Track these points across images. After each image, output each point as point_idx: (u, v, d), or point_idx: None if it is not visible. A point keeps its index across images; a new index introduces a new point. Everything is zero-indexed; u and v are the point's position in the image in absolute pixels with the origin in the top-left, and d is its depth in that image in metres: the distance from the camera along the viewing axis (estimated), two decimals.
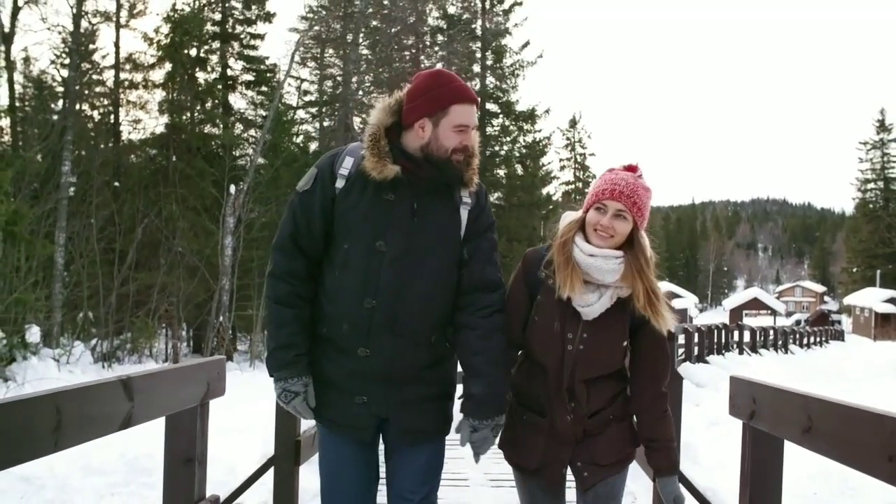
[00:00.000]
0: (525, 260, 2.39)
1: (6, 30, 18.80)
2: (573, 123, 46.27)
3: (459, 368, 2.38)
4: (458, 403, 2.36)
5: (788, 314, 77.77)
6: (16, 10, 19.58)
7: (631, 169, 2.30)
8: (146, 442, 5.93)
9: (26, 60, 21.76)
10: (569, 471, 2.38)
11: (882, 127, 61.22)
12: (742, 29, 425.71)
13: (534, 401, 2.33)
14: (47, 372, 11.91)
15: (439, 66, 30.31)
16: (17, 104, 19.48)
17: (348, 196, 2.23)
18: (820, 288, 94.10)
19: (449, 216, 2.29)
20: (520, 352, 2.43)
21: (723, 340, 16.87)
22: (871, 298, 53.27)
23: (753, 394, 2.53)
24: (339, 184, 2.25)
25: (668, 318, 2.21)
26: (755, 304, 72.16)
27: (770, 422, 2.38)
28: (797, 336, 28.01)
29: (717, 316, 67.39)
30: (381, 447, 2.44)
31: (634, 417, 2.37)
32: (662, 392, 2.28)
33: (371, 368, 2.23)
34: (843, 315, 64.46)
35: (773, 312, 68.75)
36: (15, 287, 12.50)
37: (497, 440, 2.35)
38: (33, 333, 12.30)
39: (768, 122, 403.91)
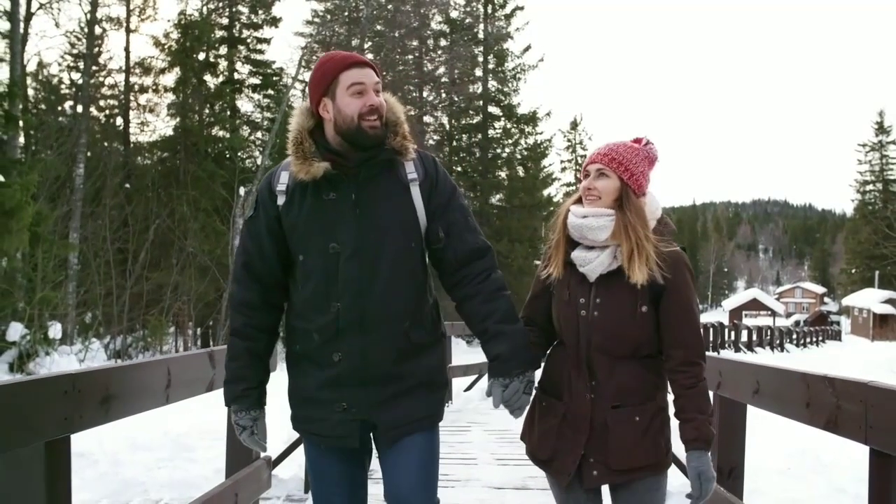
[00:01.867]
0: (546, 250, 2.39)
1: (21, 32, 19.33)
2: (574, 125, 46.79)
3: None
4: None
5: (788, 315, 78.16)
6: (28, 16, 20.11)
7: (637, 142, 2.29)
8: (187, 422, 6.47)
9: (39, 65, 22.33)
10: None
11: (881, 129, 61.57)
12: (744, 30, 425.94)
13: (554, 384, 2.27)
14: (70, 366, 12.42)
15: (441, 69, 30.84)
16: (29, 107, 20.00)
17: (290, 209, 2.17)
18: (820, 289, 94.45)
19: (397, 199, 2.20)
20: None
21: (719, 339, 17.33)
22: (870, 299, 53.71)
23: (719, 367, 3.05)
24: (280, 200, 2.19)
25: (637, 273, 2.12)
26: (755, 305, 72.64)
27: (731, 389, 2.89)
28: (794, 336, 28.49)
29: (717, 316, 67.76)
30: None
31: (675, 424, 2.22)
32: (690, 361, 2.15)
33: (345, 372, 2.16)
34: (842, 316, 64.88)
35: (773, 313, 69.17)
36: (36, 285, 13.02)
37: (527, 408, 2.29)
38: (55, 330, 12.81)
39: (770, 123, 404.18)
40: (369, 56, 29.37)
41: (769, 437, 6.25)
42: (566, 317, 2.22)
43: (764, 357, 19.86)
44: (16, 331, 12.32)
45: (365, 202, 2.15)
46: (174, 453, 5.47)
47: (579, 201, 2.25)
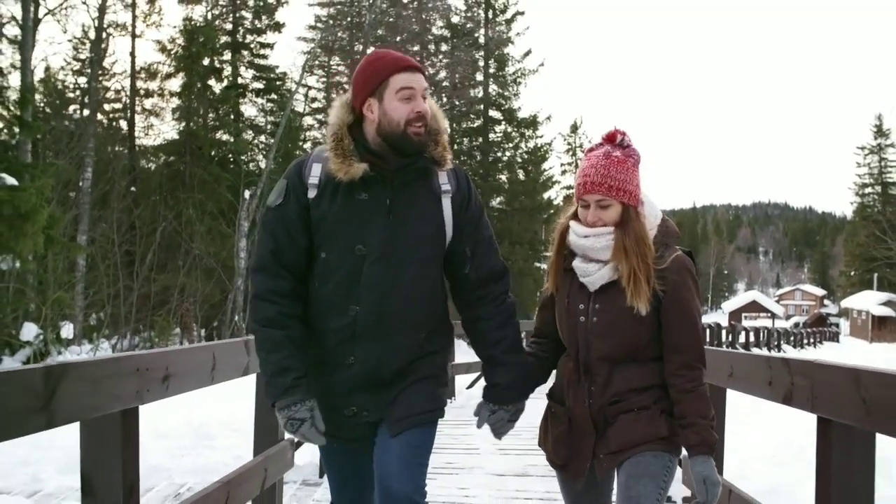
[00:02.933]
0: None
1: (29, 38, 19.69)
2: (574, 128, 47.13)
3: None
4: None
5: (788, 317, 78.43)
6: (36, 22, 20.48)
7: (610, 139, 2.24)
8: (206, 413, 6.83)
9: (46, 70, 22.70)
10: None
11: (879, 132, 61.88)
12: (744, 32, 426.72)
13: (560, 390, 2.30)
14: None
15: (442, 74, 31.25)
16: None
17: (320, 204, 2.11)
18: (820, 291, 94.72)
19: (428, 209, 2.17)
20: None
21: (716, 340, 17.65)
22: (868, 301, 54.00)
23: (710, 358, 3.39)
24: (311, 193, 2.12)
25: (642, 300, 2.12)
26: (754, 307, 72.98)
27: (710, 375, 3.21)
28: (791, 337, 28.82)
29: (717, 319, 68.01)
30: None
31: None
32: (689, 365, 2.14)
33: (356, 376, 2.15)
34: (841, 318, 65.17)
35: (772, 315, 69.48)
36: (49, 286, 13.37)
37: (514, 424, 2.33)
38: (68, 330, 13.17)
39: (770, 125, 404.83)
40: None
41: (758, 429, 6.60)
42: (567, 324, 2.24)
43: None
44: (30, 331, 12.69)
45: (398, 208, 2.12)
46: (195, 441, 5.81)
47: (576, 216, 2.25)
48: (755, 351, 21.89)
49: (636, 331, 2.17)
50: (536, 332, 2.43)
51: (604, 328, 2.18)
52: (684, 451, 2.18)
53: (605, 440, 2.18)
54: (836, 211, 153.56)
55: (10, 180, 11.80)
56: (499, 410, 2.27)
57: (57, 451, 5.48)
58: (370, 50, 29.30)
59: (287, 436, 3.58)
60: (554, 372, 2.42)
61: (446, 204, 2.19)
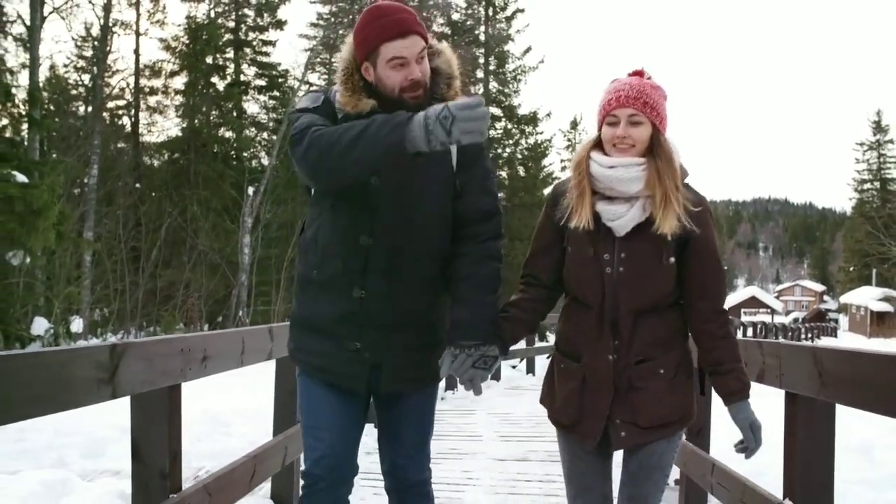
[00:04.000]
0: (550, 194, 2.25)
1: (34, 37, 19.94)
2: (574, 125, 47.27)
3: None
4: None
5: (787, 313, 78.71)
6: (42, 20, 20.71)
7: (638, 74, 2.15)
8: (222, 402, 7.11)
9: (51, 68, 22.95)
10: None
11: (878, 128, 62.14)
12: (744, 29, 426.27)
13: (572, 346, 2.14)
14: None
15: None
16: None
17: None
18: (819, 287, 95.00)
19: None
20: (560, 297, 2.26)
21: None
22: (867, 297, 54.29)
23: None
24: (339, 115, 2.09)
25: (667, 224, 2.02)
26: (753, 303, 73.28)
27: (695, 359, 3.50)
28: (788, 332, 29.13)
29: None
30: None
31: (696, 373, 2.20)
32: (719, 310, 2.11)
33: (367, 311, 2.09)
34: (840, 314, 65.47)
35: (772, 311, 69.76)
36: (59, 281, 13.65)
37: (489, 374, 2.12)
38: (77, 324, 13.44)
39: (771, 121, 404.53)
40: None
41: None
42: (589, 274, 2.08)
43: None
44: (40, 325, 12.93)
45: None
46: (212, 428, 6.08)
47: (597, 146, 2.11)
48: None
49: (664, 278, 2.07)
50: (526, 278, 2.23)
51: (632, 278, 2.05)
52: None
53: (628, 405, 2.07)
54: (837, 206, 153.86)
55: (21, 178, 12.05)
56: (460, 354, 2.05)
57: (79, 436, 5.75)
58: None
59: None
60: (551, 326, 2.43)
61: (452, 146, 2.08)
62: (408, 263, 2.11)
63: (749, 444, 2.07)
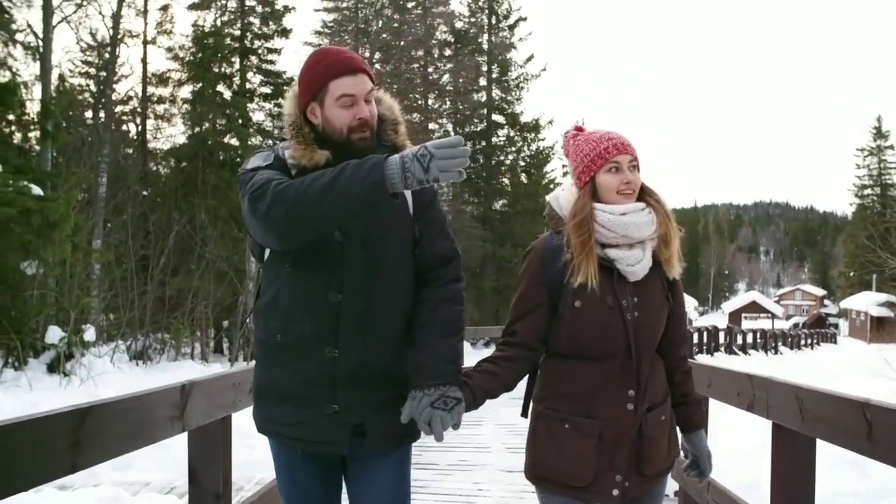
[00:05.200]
0: (538, 252, 2.18)
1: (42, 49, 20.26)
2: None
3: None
4: None
5: (788, 317, 78.90)
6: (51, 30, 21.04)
7: (580, 129, 2.22)
8: (244, 417, 7.40)
9: (60, 78, 23.26)
10: None
11: (879, 134, 62.43)
12: (745, 32, 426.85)
13: (580, 402, 2.07)
14: (104, 368, 13.33)
15: (446, 78, 31.82)
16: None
17: None
18: (820, 291, 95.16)
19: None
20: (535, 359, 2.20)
21: (713, 342, 18.20)
22: (867, 302, 54.49)
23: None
24: (293, 172, 2.02)
25: (676, 265, 2.12)
26: (754, 308, 73.48)
27: (697, 386, 3.78)
28: (788, 338, 29.39)
29: (717, 319, 68.52)
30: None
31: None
32: (687, 346, 2.27)
33: (341, 371, 2.00)
34: (840, 319, 65.65)
35: (772, 316, 69.98)
36: (73, 291, 13.94)
37: (457, 420, 1.98)
38: (91, 333, 13.72)
39: (772, 124, 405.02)
40: (376, 67, 30.50)
41: (743, 428, 7.16)
42: (610, 324, 2.05)
43: (757, 359, 20.76)
44: (54, 334, 13.21)
45: None
46: (236, 441, 6.34)
47: (594, 197, 2.11)
48: (752, 353, 22.46)
49: (664, 319, 2.14)
50: (506, 338, 2.16)
51: (647, 322, 2.08)
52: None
53: (641, 456, 2.07)
54: (838, 210, 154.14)
55: (37, 190, 12.35)
56: (418, 393, 1.97)
57: None
58: (377, 56, 29.93)
59: None
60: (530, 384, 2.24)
61: (407, 192, 2.06)
62: (379, 317, 2.03)
63: (705, 471, 2.26)
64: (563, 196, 2.21)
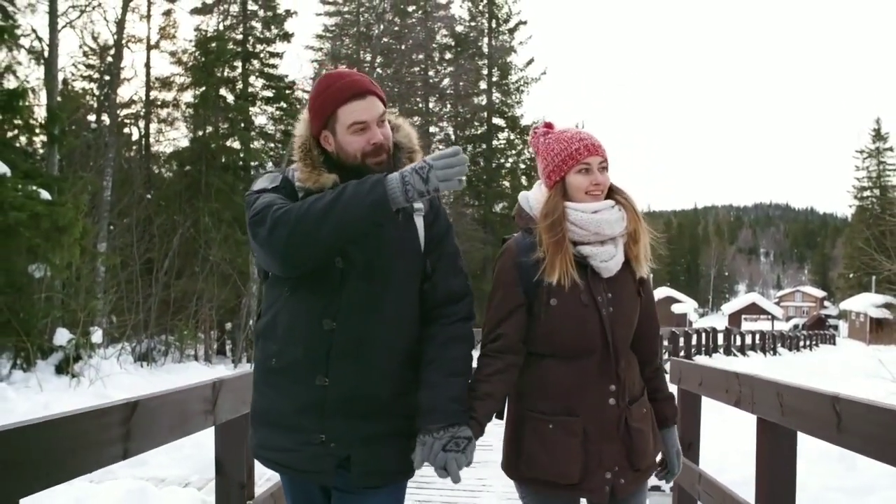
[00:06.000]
0: (511, 252, 2.18)
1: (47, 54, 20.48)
2: None
3: None
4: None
5: (788, 319, 79.03)
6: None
7: (550, 126, 2.23)
8: None
9: (64, 82, 23.48)
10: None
11: (878, 136, 62.67)
12: (746, 33, 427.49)
13: (561, 400, 2.08)
14: (112, 369, 13.54)
15: (446, 82, 32.10)
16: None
17: None
18: (820, 293, 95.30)
19: (403, 226, 2.03)
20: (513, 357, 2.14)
21: (711, 343, 18.41)
22: (866, 304, 54.68)
23: (680, 368, 4.16)
24: (300, 194, 1.99)
25: (643, 263, 2.16)
26: (753, 309, 73.64)
27: (687, 383, 4.00)
28: (787, 339, 29.61)
29: (717, 320, 68.66)
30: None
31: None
32: (658, 342, 2.27)
33: (330, 400, 1.95)
34: (840, 320, 65.82)
35: (772, 317, 70.14)
36: (80, 293, 14.16)
37: (470, 459, 1.94)
38: (98, 335, 13.93)
39: (772, 126, 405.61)
40: (378, 71, 30.73)
41: (738, 425, 7.37)
42: (586, 320, 2.07)
43: (755, 360, 20.96)
44: (62, 336, 13.41)
45: None
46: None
47: (564, 197, 2.12)
48: (751, 354, 22.68)
49: (637, 314, 2.17)
50: (495, 345, 2.11)
51: (622, 317, 2.11)
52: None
53: (629, 450, 2.08)
54: (838, 212, 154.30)
55: (45, 194, 12.57)
56: (428, 439, 1.93)
57: None
58: (378, 60, 30.16)
59: None
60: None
61: (419, 222, 2.07)
62: (375, 348, 1.98)
63: (673, 469, 2.26)
64: (532, 195, 2.23)
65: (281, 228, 1.81)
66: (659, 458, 2.28)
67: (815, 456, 6.40)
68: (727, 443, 6.68)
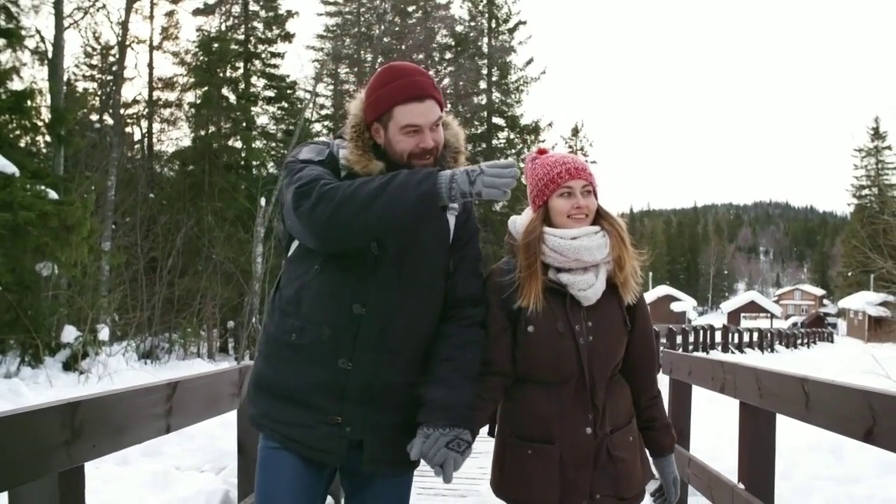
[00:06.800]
0: (494, 277, 2.17)
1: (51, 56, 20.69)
2: (575, 132, 48.05)
3: None
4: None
5: (787, 317, 79.19)
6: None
7: (543, 152, 2.22)
8: None
9: (68, 83, 23.68)
10: None
11: (876, 134, 62.83)
12: (746, 31, 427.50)
13: (538, 427, 2.08)
14: (118, 366, 13.78)
15: (446, 81, 32.29)
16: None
17: None
18: (819, 291, 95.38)
19: (437, 220, 2.04)
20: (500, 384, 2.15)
21: (708, 340, 18.64)
22: (865, 302, 54.85)
23: (671, 359, 4.39)
24: (342, 173, 2.00)
25: (631, 289, 2.12)
26: (752, 308, 73.82)
27: (677, 373, 4.23)
28: (784, 337, 29.86)
29: (716, 319, 68.84)
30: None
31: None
32: (655, 371, 2.23)
33: (351, 385, 1.95)
34: (839, 318, 66.01)
35: (771, 315, 70.33)
36: (87, 291, 14.39)
37: (461, 464, 1.96)
38: (105, 333, 14.17)
39: (772, 125, 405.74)
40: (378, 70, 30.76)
41: (732, 420, 7.60)
42: (562, 350, 2.06)
43: (753, 357, 21.21)
44: (70, 333, 13.65)
45: None
46: None
47: (546, 221, 2.13)
48: (749, 351, 22.92)
49: (624, 343, 2.13)
50: (485, 369, 2.09)
51: (602, 346, 2.08)
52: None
53: (609, 478, 2.06)
54: (837, 211, 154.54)
55: (53, 194, 12.80)
56: (433, 433, 1.93)
57: None
58: (379, 60, 30.35)
59: None
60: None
61: (451, 219, 2.10)
62: (399, 338, 2.00)
63: (670, 497, 2.22)
64: (520, 220, 2.22)
65: (325, 205, 1.81)
66: (657, 484, 2.27)
67: (804, 447, 6.64)
68: (720, 432, 6.90)
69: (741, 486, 3.07)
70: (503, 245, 2.26)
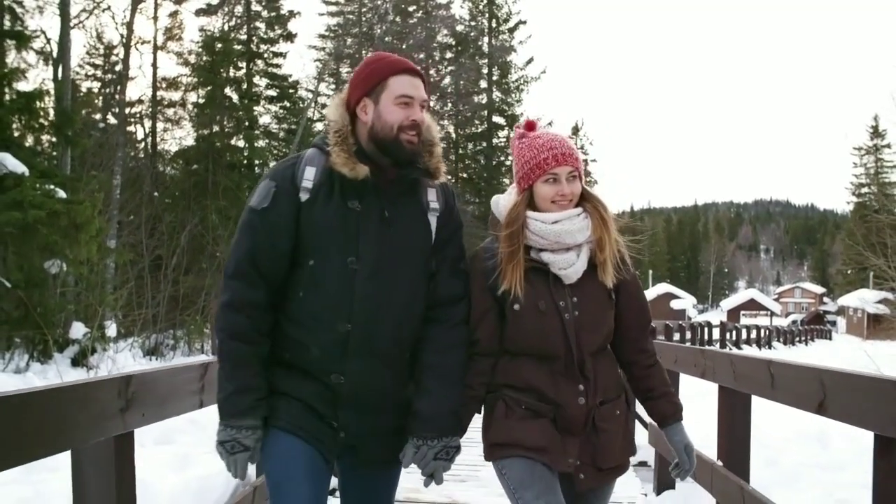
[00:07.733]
0: (479, 258, 2.20)
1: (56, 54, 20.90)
2: (575, 130, 48.22)
3: None
4: None
5: (787, 315, 79.31)
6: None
7: (531, 126, 2.21)
8: None
9: (73, 84, 23.90)
10: None
11: (876, 133, 62.93)
12: (746, 30, 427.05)
13: (535, 387, 2.12)
14: (125, 362, 14.04)
15: (447, 80, 32.51)
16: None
17: (313, 208, 2.01)
18: (819, 289, 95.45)
19: (417, 223, 2.10)
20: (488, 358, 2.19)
21: (706, 337, 18.88)
22: (864, 299, 54.99)
23: (658, 348, 4.65)
24: (304, 197, 2.02)
25: (609, 271, 2.12)
26: (752, 305, 74.00)
27: (664, 362, 4.46)
28: (782, 334, 30.08)
29: (716, 317, 68.95)
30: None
31: (632, 403, 2.26)
32: (651, 341, 2.23)
33: (344, 394, 2.03)
34: (838, 316, 66.15)
35: (770, 313, 70.49)
36: (95, 289, 14.65)
37: (454, 455, 2.09)
38: (112, 329, 14.43)
39: (772, 123, 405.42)
40: None
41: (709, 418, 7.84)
42: (547, 326, 2.10)
43: (750, 354, 21.39)
44: (78, 329, 13.89)
45: (392, 220, 2.05)
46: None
47: (530, 205, 2.15)
48: (746, 348, 23.19)
49: (610, 317, 2.15)
50: (473, 349, 2.15)
51: (589, 321, 2.11)
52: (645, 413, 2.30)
53: (589, 447, 2.11)
54: (838, 208, 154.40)
55: (62, 193, 13.06)
56: (422, 446, 2.04)
57: (148, 429, 6.74)
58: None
59: None
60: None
61: (432, 220, 2.12)
62: (387, 346, 2.05)
63: (684, 465, 2.19)
64: (503, 200, 2.24)
65: (217, 333, 2.05)
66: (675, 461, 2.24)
67: (791, 435, 6.90)
68: (714, 419, 7.15)
69: (720, 463, 3.34)
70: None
